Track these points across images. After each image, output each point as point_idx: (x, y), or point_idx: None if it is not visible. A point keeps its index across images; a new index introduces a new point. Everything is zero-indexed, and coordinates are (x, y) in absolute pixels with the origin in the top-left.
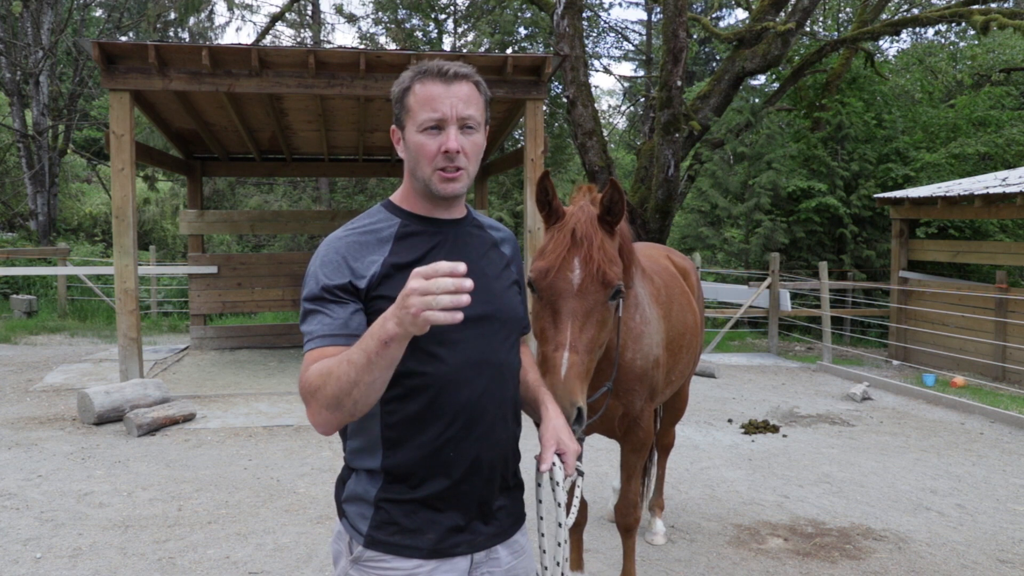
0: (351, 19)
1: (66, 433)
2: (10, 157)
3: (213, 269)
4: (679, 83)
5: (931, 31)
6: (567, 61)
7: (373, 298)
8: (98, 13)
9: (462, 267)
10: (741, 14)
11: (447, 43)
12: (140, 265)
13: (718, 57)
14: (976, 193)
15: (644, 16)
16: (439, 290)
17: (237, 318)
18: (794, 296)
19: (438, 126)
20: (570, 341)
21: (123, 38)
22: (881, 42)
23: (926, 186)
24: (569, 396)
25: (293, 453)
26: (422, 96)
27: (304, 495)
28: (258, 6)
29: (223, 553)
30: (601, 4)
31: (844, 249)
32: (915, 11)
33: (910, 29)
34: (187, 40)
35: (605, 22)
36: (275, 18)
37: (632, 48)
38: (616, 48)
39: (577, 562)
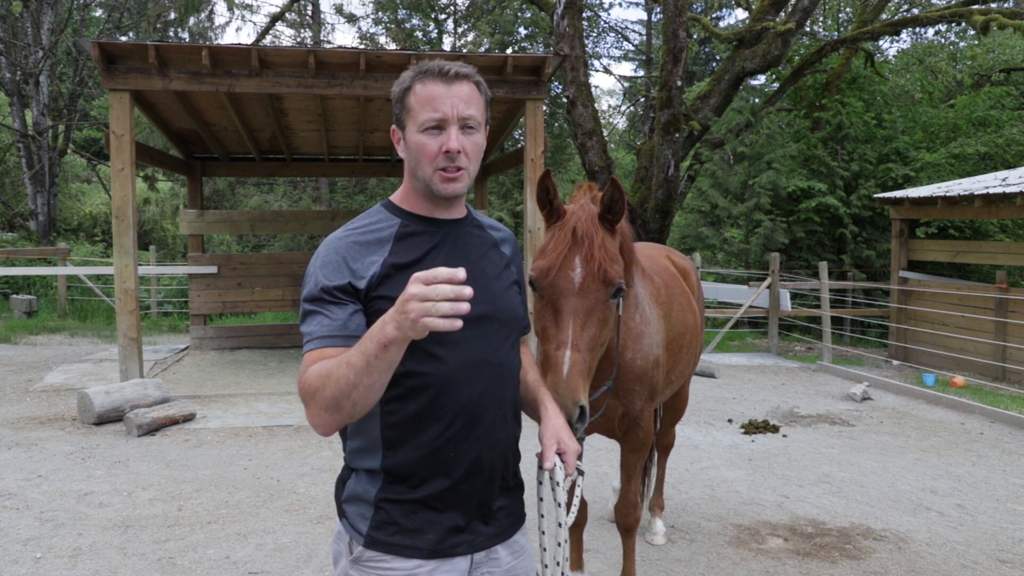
0: (351, 19)
1: (66, 433)
2: (10, 157)
3: (213, 269)
4: (679, 83)
5: (931, 31)
6: (567, 61)
7: (373, 298)
8: (98, 13)
9: (462, 273)
10: (741, 14)
11: (447, 43)
12: (140, 265)
13: (718, 57)
14: (976, 193)
15: (644, 16)
16: (438, 297)
17: (237, 318)
18: (794, 296)
19: (439, 126)
20: (572, 339)
21: (123, 38)
22: (881, 42)
23: (926, 186)
24: (572, 394)
25: (293, 453)
26: (423, 96)
27: (304, 495)
28: (258, 6)
29: (223, 553)
30: (601, 4)
31: (844, 249)
32: (915, 11)
33: (910, 29)
34: (187, 40)
35: (605, 22)
36: (275, 18)
37: (632, 48)
38: (616, 48)
39: (577, 562)
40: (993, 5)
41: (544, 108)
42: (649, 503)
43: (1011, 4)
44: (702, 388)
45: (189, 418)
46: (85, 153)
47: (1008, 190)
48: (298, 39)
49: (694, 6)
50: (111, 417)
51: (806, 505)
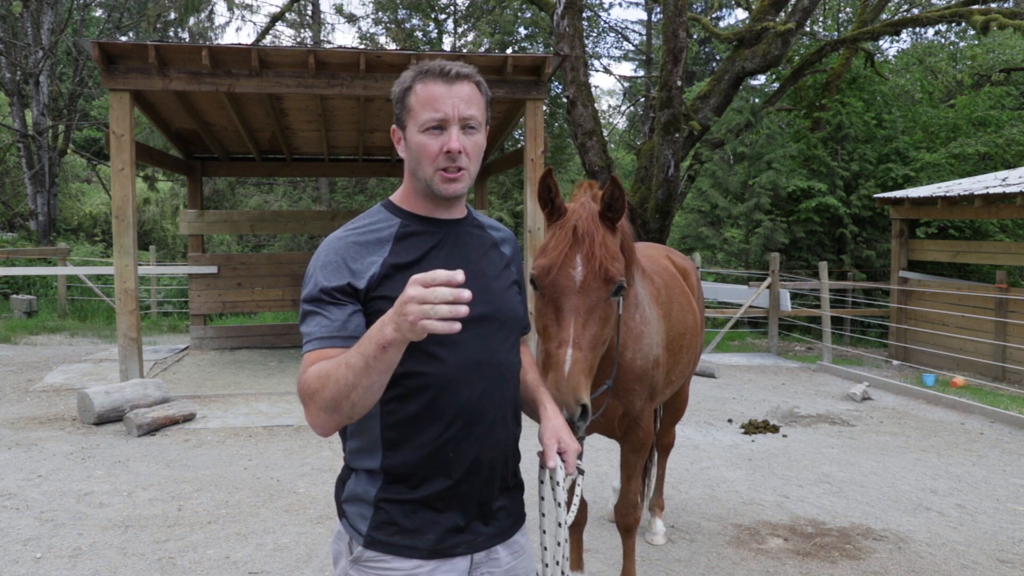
0: (351, 19)
1: (66, 433)
2: (10, 157)
3: (213, 269)
4: (679, 83)
5: (931, 31)
6: (567, 61)
7: (373, 298)
8: (98, 13)
9: (460, 276)
10: (741, 14)
11: (447, 43)
12: (140, 265)
13: (718, 57)
14: (976, 193)
15: (644, 16)
16: (437, 299)
17: (237, 318)
18: (794, 296)
19: (440, 126)
20: (573, 338)
21: (123, 38)
22: (881, 42)
23: (926, 186)
24: (574, 392)
25: (293, 453)
26: (424, 96)
27: (304, 495)
28: (258, 6)
29: (223, 553)
30: (601, 4)
31: (844, 249)
32: (915, 11)
33: (910, 29)
34: (187, 40)
35: (605, 22)
36: (275, 18)
37: (632, 48)
38: (616, 48)
39: (577, 562)
40: (993, 5)
41: (544, 108)
42: (649, 503)
43: (1011, 4)
44: (702, 388)
45: (189, 418)
46: (85, 153)
47: (1008, 190)
48: (298, 39)
49: (694, 6)
50: (111, 417)
51: (806, 505)
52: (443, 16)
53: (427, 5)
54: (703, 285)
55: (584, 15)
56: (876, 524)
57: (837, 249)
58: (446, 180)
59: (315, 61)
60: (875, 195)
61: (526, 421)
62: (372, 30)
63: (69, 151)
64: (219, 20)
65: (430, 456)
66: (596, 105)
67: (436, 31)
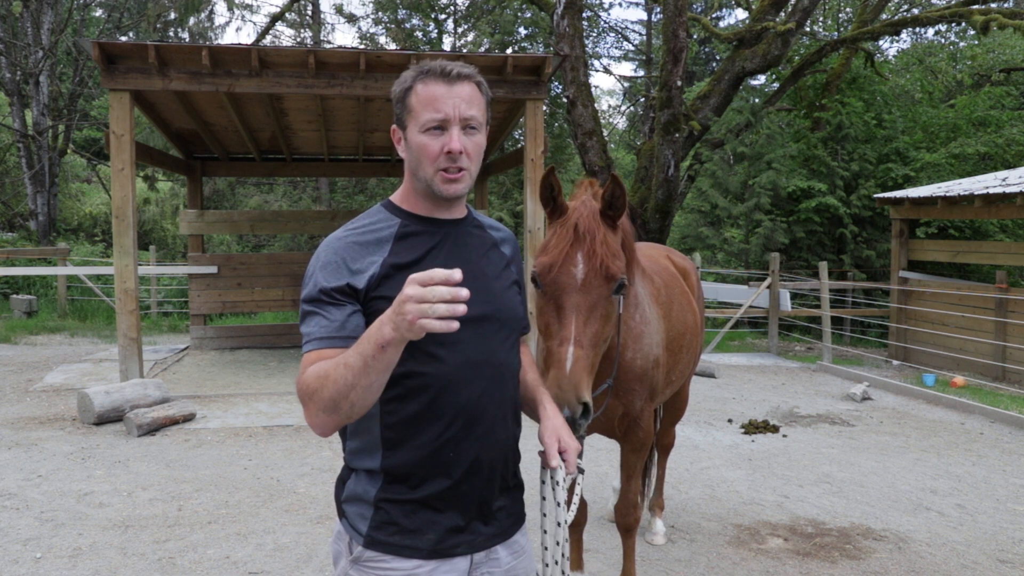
0: (351, 19)
1: (66, 433)
2: (10, 157)
3: (213, 269)
4: (679, 83)
5: (931, 31)
6: (567, 61)
7: (373, 298)
8: (98, 13)
9: (458, 275)
10: (741, 14)
11: (447, 43)
12: (140, 265)
13: (718, 57)
14: (976, 193)
15: (644, 16)
16: (435, 298)
17: (237, 318)
18: (794, 296)
19: (440, 126)
20: (575, 336)
21: (123, 38)
22: (881, 42)
23: (926, 186)
24: (575, 390)
25: (293, 453)
26: (424, 96)
27: (304, 495)
28: (258, 6)
29: (223, 553)
30: (601, 4)
31: (844, 249)
32: (915, 11)
33: (910, 29)
34: (187, 40)
35: (605, 22)
36: (275, 18)
37: (632, 48)
38: (616, 48)
39: (577, 562)
40: (993, 5)
41: (544, 108)
42: (649, 503)
43: (1011, 4)
44: (702, 388)
45: (189, 418)
46: (85, 153)
47: (1008, 190)
48: (298, 39)
49: (694, 6)
50: (111, 417)
51: (806, 505)
52: (443, 16)
53: (427, 5)
54: (703, 285)
55: (584, 15)
56: (876, 524)
57: (837, 249)
58: (447, 180)
59: (315, 61)
60: (875, 195)
61: (526, 421)
62: (372, 30)
63: (69, 151)
64: (219, 20)
65: (430, 456)
66: (596, 105)
67: (436, 31)
